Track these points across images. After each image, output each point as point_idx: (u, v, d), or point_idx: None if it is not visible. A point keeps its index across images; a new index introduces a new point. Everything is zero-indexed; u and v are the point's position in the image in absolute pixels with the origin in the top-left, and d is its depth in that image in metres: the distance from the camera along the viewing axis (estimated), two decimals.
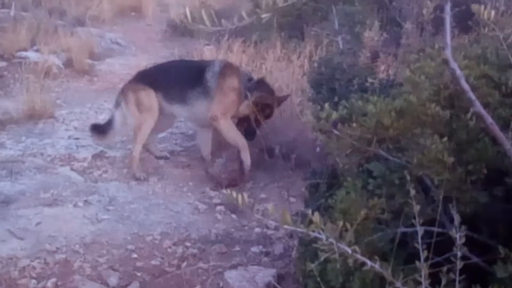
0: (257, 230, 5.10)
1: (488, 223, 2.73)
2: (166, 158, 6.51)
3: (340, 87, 4.79)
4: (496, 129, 2.50)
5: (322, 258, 2.26)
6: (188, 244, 4.89)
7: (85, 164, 6.24)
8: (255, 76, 6.43)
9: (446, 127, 2.71)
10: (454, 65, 2.49)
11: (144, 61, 9.03)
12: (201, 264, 4.58)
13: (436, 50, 2.93)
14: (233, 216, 5.37)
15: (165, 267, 4.57)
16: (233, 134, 6.03)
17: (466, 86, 2.49)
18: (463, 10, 3.75)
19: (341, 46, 6.44)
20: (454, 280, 2.26)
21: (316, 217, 2.16)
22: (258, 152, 6.09)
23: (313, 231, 2.18)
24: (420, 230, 2.33)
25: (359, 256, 2.21)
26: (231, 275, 4.39)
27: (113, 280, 4.35)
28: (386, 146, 2.84)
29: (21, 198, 5.39)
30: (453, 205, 2.45)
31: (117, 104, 6.37)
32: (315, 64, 5.57)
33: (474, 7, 2.83)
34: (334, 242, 2.18)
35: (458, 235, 2.28)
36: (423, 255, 2.25)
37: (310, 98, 5.40)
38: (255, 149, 6.11)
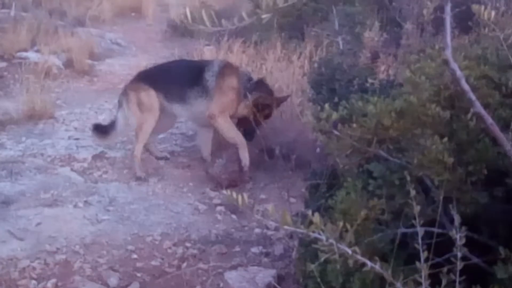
0: (257, 230, 5.10)
1: (488, 224, 2.73)
2: (166, 158, 6.51)
3: (340, 87, 4.79)
4: (496, 130, 2.49)
5: (322, 259, 2.25)
6: (188, 244, 4.89)
7: (85, 164, 6.24)
8: (256, 77, 6.43)
9: (446, 127, 2.70)
10: (454, 65, 2.49)
11: (144, 62, 9.03)
12: (201, 265, 4.57)
13: (437, 50, 2.92)
14: (233, 216, 5.37)
15: (165, 268, 4.57)
16: (231, 132, 6.03)
17: (466, 87, 2.49)
18: (463, 10, 3.74)
19: (341, 47, 6.44)
20: (454, 281, 2.25)
21: (316, 217, 2.16)
22: (258, 153, 6.09)
23: (313, 231, 2.18)
24: (420, 231, 2.33)
25: (359, 256, 2.21)
26: (231, 276, 4.39)
27: (113, 280, 4.35)
28: (386, 146, 2.84)
29: (21, 199, 5.39)
30: (453, 206, 2.45)
31: (119, 105, 6.38)
32: (315, 65, 5.57)
33: (475, 7, 2.83)
34: (334, 242, 2.18)
35: (458, 235, 2.28)
36: (423, 255, 2.25)
37: (310, 98, 5.40)
38: (255, 150, 6.11)
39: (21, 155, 6.36)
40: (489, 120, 2.49)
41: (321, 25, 8.38)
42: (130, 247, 4.79)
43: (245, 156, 5.92)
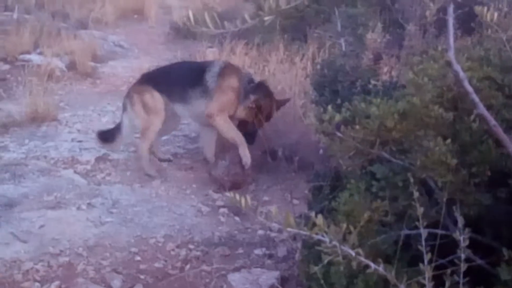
0: (261, 232, 5.10)
1: (492, 225, 2.73)
2: (169, 160, 6.51)
3: (343, 89, 4.79)
4: (499, 131, 2.49)
5: (325, 261, 2.25)
6: (191, 246, 4.88)
7: (88, 167, 6.24)
8: (259, 79, 6.43)
9: (449, 129, 2.70)
10: (457, 67, 2.49)
11: (147, 64, 9.05)
12: (204, 267, 4.57)
13: (439, 52, 2.93)
14: (236, 218, 5.37)
15: (168, 270, 4.57)
16: (230, 132, 6.03)
17: (469, 88, 2.49)
18: (466, 11, 3.74)
19: (343, 48, 6.42)
20: (458, 282, 2.25)
21: (320, 219, 2.16)
22: (261, 155, 6.09)
23: (317, 233, 2.18)
24: (424, 233, 2.33)
25: (362, 258, 2.21)
26: (234, 278, 4.39)
27: (116, 283, 4.35)
28: (389, 148, 2.84)
29: (24, 201, 5.39)
30: (457, 207, 2.45)
31: (124, 108, 6.39)
32: (318, 66, 5.56)
33: (477, 8, 2.84)
34: (337, 244, 2.18)
35: (462, 237, 2.28)
36: (426, 257, 2.25)
37: (313, 100, 5.39)
38: (258, 152, 6.11)
39: (24, 158, 6.36)
40: (492, 121, 2.49)
41: (324, 27, 8.38)
42: (133, 249, 4.79)
43: (245, 155, 5.91)
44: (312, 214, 2.20)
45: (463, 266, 2.24)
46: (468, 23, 5.96)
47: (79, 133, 7.17)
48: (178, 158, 6.61)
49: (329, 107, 2.75)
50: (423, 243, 2.29)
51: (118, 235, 4.99)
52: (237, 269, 4.53)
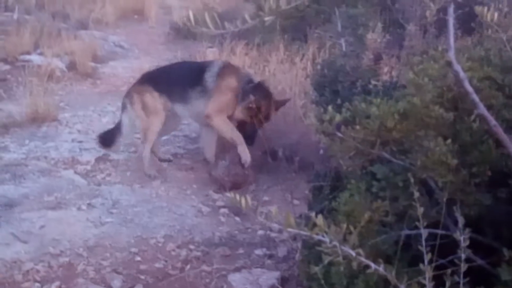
0: (261, 232, 5.10)
1: (492, 225, 2.73)
2: (169, 160, 6.51)
3: (343, 89, 4.79)
4: (499, 131, 2.49)
5: (326, 261, 2.25)
6: (191, 247, 4.88)
7: (89, 167, 6.25)
8: (259, 79, 6.42)
9: (449, 129, 2.70)
10: (457, 67, 2.49)
11: (147, 64, 9.05)
12: (204, 267, 4.57)
13: (440, 52, 2.92)
14: (237, 218, 5.37)
15: (168, 270, 4.56)
16: (228, 131, 6.03)
17: (469, 88, 2.49)
18: (466, 12, 3.74)
19: (344, 48, 6.42)
20: (458, 283, 2.25)
21: (320, 220, 2.16)
22: (261, 155, 6.09)
23: (317, 234, 2.18)
24: (424, 233, 2.33)
25: (363, 259, 2.21)
26: (234, 278, 4.39)
27: (116, 283, 4.35)
28: (389, 148, 2.84)
29: (24, 202, 5.39)
30: (457, 207, 2.45)
31: (123, 107, 6.40)
32: (318, 67, 5.56)
33: (477, 9, 2.83)
34: (338, 245, 2.17)
35: (462, 237, 2.28)
36: (427, 257, 2.25)
37: (313, 100, 5.39)
38: (259, 152, 6.10)
39: (25, 158, 6.37)
40: (493, 121, 2.49)
41: (324, 27, 8.38)
42: (133, 250, 4.79)
43: (245, 153, 5.90)
44: (313, 214, 2.20)
45: (464, 266, 2.24)
46: (469, 23, 5.96)
47: (79, 133, 7.18)
48: (178, 159, 6.61)
49: (330, 107, 2.75)
50: (424, 243, 2.29)
51: (118, 235, 4.99)
52: (237, 269, 4.53)
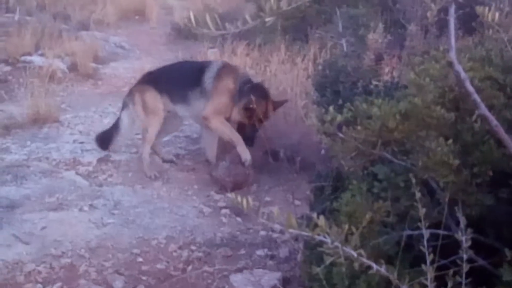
0: (263, 233, 5.10)
1: (494, 226, 2.73)
2: (172, 161, 6.51)
3: (344, 89, 4.79)
4: (501, 131, 2.49)
5: (327, 262, 2.25)
6: (193, 247, 4.88)
7: (90, 168, 6.25)
8: (260, 79, 6.43)
9: (451, 129, 2.70)
10: (458, 67, 2.49)
11: (148, 65, 9.04)
12: (206, 268, 4.57)
13: (441, 52, 2.92)
14: (238, 219, 5.37)
15: (170, 271, 4.56)
16: (226, 132, 6.04)
17: (471, 89, 2.48)
18: (467, 12, 3.74)
19: (345, 49, 6.43)
20: (460, 283, 2.25)
21: (321, 220, 2.16)
22: (262, 155, 6.08)
23: (318, 234, 2.18)
24: (426, 233, 2.33)
25: (364, 259, 2.21)
26: (236, 279, 4.39)
27: (118, 284, 4.35)
28: (391, 148, 2.83)
29: (26, 203, 5.40)
30: (459, 208, 2.45)
31: (124, 106, 6.42)
32: (320, 67, 5.56)
33: (478, 9, 2.83)
34: (339, 245, 2.17)
35: (464, 237, 2.28)
36: (429, 258, 2.25)
37: (314, 101, 5.39)
38: (260, 152, 6.10)
39: (26, 159, 6.37)
40: (494, 121, 2.48)
41: (325, 27, 8.38)
42: (135, 251, 4.79)
43: (244, 152, 5.91)
44: (314, 215, 2.20)
45: (465, 267, 2.24)
46: (470, 23, 5.95)
47: (80, 134, 7.18)
48: (179, 159, 6.61)
49: (331, 108, 2.75)
50: (425, 243, 2.29)
51: (120, 236, 4.99)
52: (239, 270, 4.52)
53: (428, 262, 2.24)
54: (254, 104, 5.74)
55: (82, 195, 5.63)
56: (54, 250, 4.69)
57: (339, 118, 2.71)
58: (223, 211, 5.50)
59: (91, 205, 5.44)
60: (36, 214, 5.20)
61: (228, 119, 6.04)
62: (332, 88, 4.94)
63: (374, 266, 2.23)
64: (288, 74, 7.36)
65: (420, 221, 2.36)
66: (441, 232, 2.56)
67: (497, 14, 2.84)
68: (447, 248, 2.49)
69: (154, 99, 6.24)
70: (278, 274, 4.37)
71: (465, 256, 2.25)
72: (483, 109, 2.49)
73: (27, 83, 8.00)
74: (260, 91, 6.02)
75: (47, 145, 6.77)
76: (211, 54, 8.82)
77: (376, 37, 6.84)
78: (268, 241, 4.95)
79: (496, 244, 2.66)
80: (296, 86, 7.03)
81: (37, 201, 5.45)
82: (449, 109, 2.69)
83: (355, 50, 6.50)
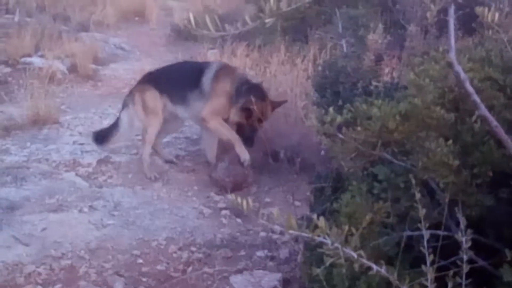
0: (263, 234, 5.10)
1: (494, 226, 2.73)
2: (173, 162, 6.51)
3: (344, 90, 4.79)
4: (501, 132, 2.49)
5: (327, 263, 2.25)
6: (193, 249, 4.88)
7: (90, 169, 6.24)
8: (260, 80, 6.42)
9: (451, 130, 2.70)
10: (458, 68, 2.49)
11: (148, 66, 9.02)
12: (206, 269, 4.57)
13: (440, 53, 2.92)
14: (238, 220, 5.37)
15: (170, 272, 4.56)
16: (224, 132, 6.05)
17: (470, 89, 2.48)
18: (466, 12, 3.74)
19: (345, 49, 6.43)
20: (460, 284, 2.25)
21: (321, 221, 2.15)
22: (262, 156, 6.08)
23: (319, 236, 2.18)
24: (426, 234, 2.33)
25: (364, 260, 2.21)
26: (236, 280, 4.39)
27: (118, 285, 4.35)
28: (391, 149, 2.83)
29: (26, 204, 5.39)
30: (459, 208, 2.45)
31: (124, 105, 6.43)
32: (319, 68, 5.57)
33: (478, 9, 2.83)
34: (339, 246, 2.17)
35: (464, 238, 2.28)
36: (429, 259, 2.25)
37: (314, 101, 5.39)
38: (260, 153, 6.10)
39: (26, 161, 6.37)
40: (494, 122, 2.48)
41: (325, 28, 8.38)
42: (135, 252, 4.79)
43: (242, 152, 5.91)
44: (314, 216, 2.20)
45: (466, 268, 2.24)
46: (469, 24, 5.95)
47: (80, 135, 7.17)
48: (179, 160, 6.61)
49: (331, 109, 2.75)
50: (425, 244, 2.29)
51: (120, 237, 4.99)
52: (239, 271, 4.52)
53: (428, 263, 2.24)
54: (251, 104, 5.74)
55: (82, 196, 5.63)
56: (54, 252, 4.69)
57: (339, 119, 2.71)
58: (223, 212, 5.50)
59: (91, 207, 5.44)
60: (36, 216, 5.20)
61: (226, 120, 6.05)
62: (332, 89, 4.94)
63: (374, 267, 2.23)
64: (288, 75, 7.35)
65: (420, 222, 2.36)
66: (441, 232, 2.56)
67: (496, 15, 2.84)
68: (447, 249, 2.49)
69: (154, 99, 6.26)
70: (278, 275, 4.37)
71: (465, 257, 2.25)
72: (483, 110, 2.49)
73: (27, 85, 7.99)
74: (257, 91, 6.01)
75: (47, 147, 6.76)
76: (211, 55, 8.82)
77: (376, 37, 6.84)
78: (268, 242, 4.95)
79: (496, 244, 2.66)
80: (296, 87, 7.03)
81: (37, 202, 5.45)
82: (449, 109, 2.69)
83: (355, 50, 6.50)
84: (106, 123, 7.37)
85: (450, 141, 2.57)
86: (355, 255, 2.20)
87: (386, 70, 6.49)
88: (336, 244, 2.17)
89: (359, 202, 2.80)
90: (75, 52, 9.59)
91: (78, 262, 4.60)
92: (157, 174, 6.14)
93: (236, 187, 5.82)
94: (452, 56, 2.49)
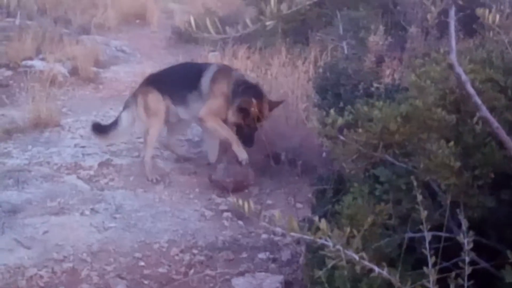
0: (264, 236, 5.09)
1: (496, 228, 2.72)
2: (191, 159, 6.56)
3: (345, 92, 4.78)
4: (502, 134, 2.49)
5: (329, 265, 2.25)
6: (195, 251, 4.88)
7: (92, 172, 6.25)
8: (257, 81, 6.44)
9: (452, 131, 2.70)
10: (459, 69, 2.49)
11: (149, 69, 9.01)
12: (208, 271, 4.57)
13: (441, 54, 2.92)
14: (240, 222, 5.37)
15: (172, 275, 4.57)
16: (221, 132, 6.09)
17: (472, 91, 2.48)
18: (467, 14, 3.74)
19: (346, 51, 6.43)
20: (462, 286, 2.25)
21: (323, 223, 2.15)
22: (264, 158, 6.08)
23: (320, 238, 2.18)
24: (428, 236, 2.33)
25: (366, 262, 2.21)
26: (238, 282, 4.39)
27: None
28: (392, 151, 2.83)
29: (27, 207, 5.39)
30: (461, 210, 2.45)
31: (126, 106, 6.45)
32: (320, 70, 5.56)
33: (479, 10, 2.83)
34: (341, 249, 2.17)
35: (466, 240, 2.28)
36: (431, 260, 2.25)
37: (315, 103, 5.39)
38: (261, 155, 6.10)
39: (28, 164, 6.37)
40: (495, 124, 2.48)
41: (326, 30, 8.38)
42: (137, 255, 4.79)
43: (240, 151, 5.92)
44: (316, 218, 2.19)
45: (468, 269, 2.24)
46: (470, 25, 5.94)
47: (82, 138, 7.17)
48: (181, 163, 6.61)
49: (332, 111, 2.75)
50: (427, 246, 2.29)
51: (122, 240, 4.99)
52: (241, 274, 4.53)
53: (430, 264, 2.24)
54: (248, 104, 5.76)
55: (83, 199, 5.63)
56: (56, 255, 4.69)
57: (340, 120, 2.71)
58: (225, 214, 5.50)
59: (92, 209, 5.44)
60: (38, 219, 5.20)
61: (225, 121, 6.07)
62: (333, 90, 4.94)
63: (376, 269, 2.22)
64: (289, 77, 7.36)
65: (421, 223, 2.36)
66: (443, 234, 2.55)
67: (497, 16, 2.84)
68: (449, 251, 2.48)
69: (156, 100, 6.29)
70: (280, 278, 4.37)
71: (467, 258, 2.25)
72: (484, 111, 2.48)
73: (28, 88, 7.99)
74: (254, 91, 6.03)
75: (48, 150, 6.76)
76: (212, 58, 8.82)
77: (376, 39, 6.84)
78: (270, 244, 4.95)
79: (498, 246, 2.65)
80: (297, 89, 7.03)
81: (38, 205, 5.45)
82: (450, 111, 2.69)
83: (356, 52, 6.50)
84: None
85: (452, 143, 2.56)
86: (356, 257, 2.20)
87: (387, 72, 6.49)
88: (337, 246, 2.17)
89: (360, 204, 2.80)
90: (76, 55, 9.60)
91: (80, 265, 4.60)
92: (159, 176, 6.14)
93: (237, 187, 5.84)
94: (453, 57, 2.49)
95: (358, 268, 2.22)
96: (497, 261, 2.55)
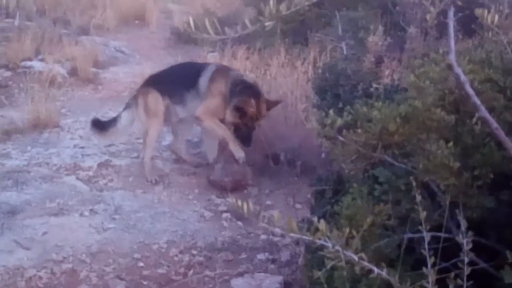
0: (263, 237, 5.09)
1: (495, 228, 2.72)
2: (202, 165, 6.51)
3: (344, 93, 4.79)
4: (501, 134, 2.49)
5: (328, 266, 2.25)
6: (194, 252, 4.88)
7: (91, 173, 6.24)
8: (254, 80, 6.44)
9: (451, 132, 2.70)
10: (458, 70, 2.49)
11: (148, 69, 9.00)
12: (207, 272, 4.57)
13: (440, 54, 2.92)
14: (239, 223, 5.37)
15: (171, 276, 4.56)
16: (218, 131, 6.08)
17: (471, 91, 2.48)
18: (466, 14, 3.74)
19: (345, 52, 6.44)
20: (461, 286, 2.25)
21: (322, 224, 2.15)
22: (263, 159, 6.08)
23: (319, 238, 2.18)
24: (427, 236, 2.33)
25: (365, 263, 2.21)
26: (237, 283, 4.38)
27: None
28: (391, 151, 2.83)
29: (27, 208, 5.39)
30: (460, 210, 2.45)
31: (127, 106, 6.47)
32: (319, 70, 5.56)
33: (478, 11, 2.83)
34: (340, 249, 2.17)
35: (465, 240, 2.27)
36: (430, 261, 2.25)
37: (314, 104, 5.40)
38: (260, 156, 6.10)
39: (27, 165, 6.36)
40: (494, 124, 2.48)
41: (325, 31, 8.38)
42: (136, 255, 4.78)
43: (236, 150, 5.92)
44: (315, 218, 2.19)
45: (467, 270, 2.24)
46: (469, 26, 5.95)
47: (81, 139, 7.17)
48: (180, 164, 6.60)
49: (331, 111, 2.75)
50: (426, 246, 2.29)
51: (121, 241, 4.99)
52: (240, 274, 4.52)
53: (429, 265, 2.24)
54: (244, 103, 5.77)
55: (82, 200, 5.63)
56: (55, 256, 4.69)
57: (339, 121, 2.71)
58: (224, 215, 5.50)
59: (91, 210, 5.44)
60: (37, 220, 5.20)
61: (223, 120, 6.07)
62: (332, 91, 4.94)
63: (375, 269, 2.22)
64: (288, 78, 7.35)
65: (421, 224, 2.36)
66: (442, 234, 2.56)
67: (496, 16, 2.84)
68: (448, 251, 2.48)
69: (155, 101, 6.30)
70: (279, 278, 4.37)
71: (466, 259, 2.25)
72: (483, 112, 2.48)
73: (27, 88, 7.99)
74: (252, 91, 6.03)
75: (47, 150, 6.76)
76: (211, 58, 8.82)
77: (376, 39, 6.85)
78: (269, 245, 4.95)
79: (497, 246, 2.65)
80: (296, 90, 7.02)
81: (37, 206, 5.45)
82: (449, 111, 2.69)
83: (355, 53, 6.51)
84: None
85: (451, 143, 2.57)
86: (356, 257, 2.20)
87: (386, 72, 6.49)
88: (337, 247, 2.17)
89: (359, 204, 2.80)
90: (76, 55, 9.59)
91: (79, 266, 4.60)
92: (158, 177, 6.14)
93: (236, 186, 5.84)
94: (452, 58, 2.49)
95: (357, 268, 2.22)
96: (497, 262, 2.55)
